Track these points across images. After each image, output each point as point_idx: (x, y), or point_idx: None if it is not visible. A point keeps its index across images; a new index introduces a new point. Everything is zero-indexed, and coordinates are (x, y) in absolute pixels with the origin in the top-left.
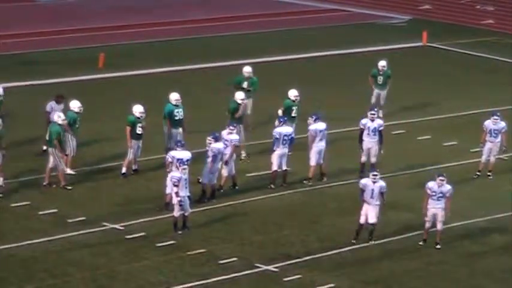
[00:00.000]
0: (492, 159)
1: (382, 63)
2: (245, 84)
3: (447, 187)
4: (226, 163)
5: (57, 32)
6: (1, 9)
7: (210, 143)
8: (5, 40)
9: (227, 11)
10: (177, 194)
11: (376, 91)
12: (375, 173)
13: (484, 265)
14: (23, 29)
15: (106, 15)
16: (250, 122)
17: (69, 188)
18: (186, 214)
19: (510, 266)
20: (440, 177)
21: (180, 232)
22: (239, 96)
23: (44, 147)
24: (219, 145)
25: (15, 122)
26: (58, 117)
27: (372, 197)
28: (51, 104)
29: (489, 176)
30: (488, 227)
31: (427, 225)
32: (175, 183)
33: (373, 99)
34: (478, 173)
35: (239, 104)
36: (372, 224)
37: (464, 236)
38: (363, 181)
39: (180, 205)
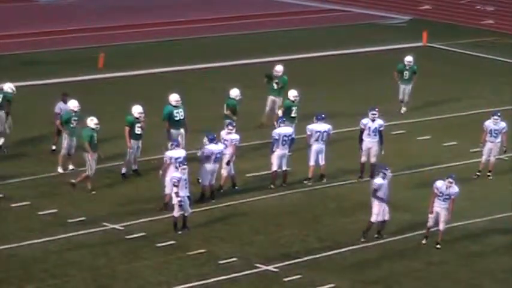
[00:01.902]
0: (492, 159)
1: (408, 59)
2: (275, 83)
3: (455, 189)
4: (228, 163)
5: (57, 32)
6: (1, 9)
7: (204, 144)
8: (5, 40)
9: (227, 11)
10: (177, 194)
11: (402, 86)
12: (384, 171)
13: (484, 265)
14: (23, 29)
15: (106, 15)
16: (265, 121)
17: (72, 188)
18: (186, 214)
19: (510, 266)
20: (449, 180)
21: (180, 232)
22: (234, 93)
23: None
24: (212, 147)
25: (15, 122)
26: (91, 120)
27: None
28: (60, 105)
29: (489, 176)
30: (488, 227)
31: (429, 223)
32: (175, 184)
33: (401, 95)
34: (478, 173)
35: (237, 101)
36: (384, 221)
37: (465, 236)
38: (378, 181)
39: (180, 205)
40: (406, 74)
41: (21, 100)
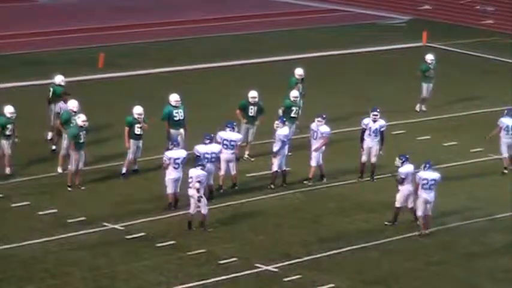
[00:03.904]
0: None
1: (431, 57)
2: (298, 87)
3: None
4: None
5: (57, 32)
6: (1, 9)
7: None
8: (5, 40)
9: (227, 11)
10: (198, 191)
11: (425, 85)
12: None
13: (484, 265)
14: (23, 29)
15: (106, 15)
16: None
17: (70, 189)
18: (203, 212)
19: (510, 266)
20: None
21: (194, 228)
22: (252, 94)
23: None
24: (201, 148)
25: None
26: (78, 118)
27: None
28: (60, 105)
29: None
30: (488, 227)
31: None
32: (202, 180)
33: (424, 93)
34: (505, 171)
35: (249, 102)
36: (411, 208)
37: (464, 236)
38: (403, 170)
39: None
40: (431, 72)
41: (21, 100)
